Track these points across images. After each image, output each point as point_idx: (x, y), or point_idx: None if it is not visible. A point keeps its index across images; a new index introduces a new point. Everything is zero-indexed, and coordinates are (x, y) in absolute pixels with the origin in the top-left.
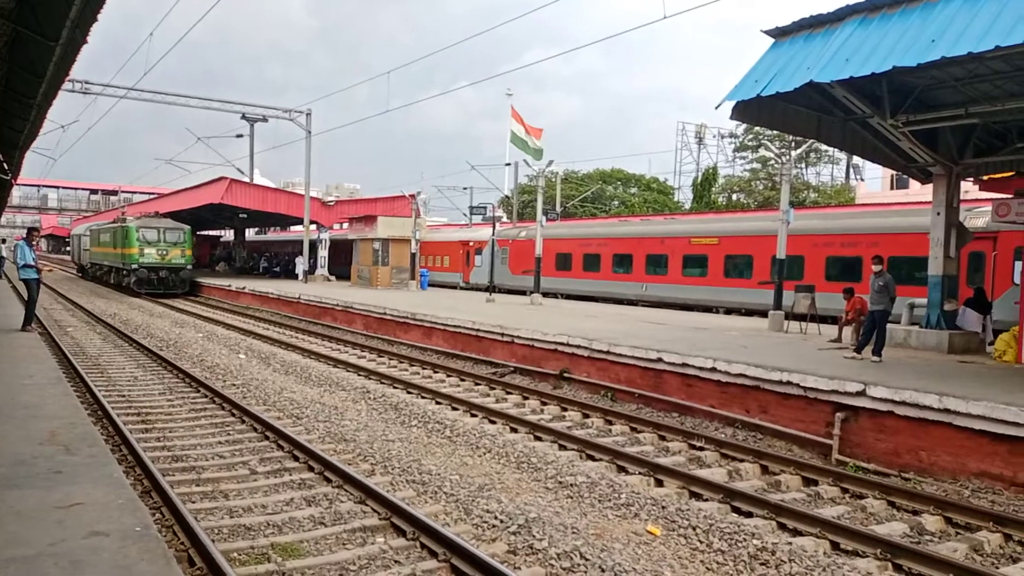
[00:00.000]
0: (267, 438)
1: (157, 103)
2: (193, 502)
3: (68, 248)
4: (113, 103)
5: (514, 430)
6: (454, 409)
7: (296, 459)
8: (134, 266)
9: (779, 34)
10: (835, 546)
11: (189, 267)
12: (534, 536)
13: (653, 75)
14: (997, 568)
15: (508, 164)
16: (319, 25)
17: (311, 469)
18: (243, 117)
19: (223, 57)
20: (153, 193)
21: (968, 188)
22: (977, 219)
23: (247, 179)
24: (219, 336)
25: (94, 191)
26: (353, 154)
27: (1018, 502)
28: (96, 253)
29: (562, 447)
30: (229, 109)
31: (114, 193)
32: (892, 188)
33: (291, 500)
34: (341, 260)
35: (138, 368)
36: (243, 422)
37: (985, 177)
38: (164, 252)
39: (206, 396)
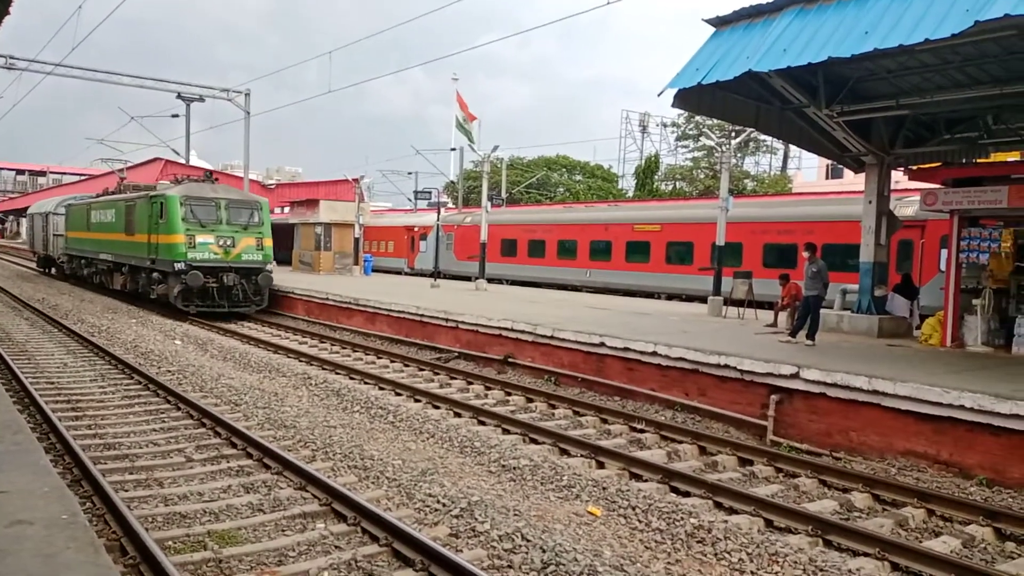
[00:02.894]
0: (204, 425)
1: (88, 80)
2: (126, 490)
3: None
4: (40, 79)
5: (458, 415)
6: (397, 394)
7: (234, 446)
8: (179, 265)
9: (720, 23)
10: (769, 523)
11: (269, 267)
12: (476, 519)
13: (604, 63)
14: (920, 542)
15: (454, 149)
16: (271, 6)
17: (249, 456)
18: (179, 96)
19: (174, 38)
20: (84, 174)
21: (899, 178)
22: (907, 208)
23: (183, 161)
24: (153, 322)
25: (20, 171)
26: (300, 139)
27: (941, 479)
28: (83, 240)
29: (505, 431)
30: (164, 88)
31: (42, 174)
32: (827, 178)
33: (229, 487)
34: (282, 245)
35: (68, 355)
36: (179, 409)
37: (914, 167)
38: (229, 243)
39: (140, 383)
